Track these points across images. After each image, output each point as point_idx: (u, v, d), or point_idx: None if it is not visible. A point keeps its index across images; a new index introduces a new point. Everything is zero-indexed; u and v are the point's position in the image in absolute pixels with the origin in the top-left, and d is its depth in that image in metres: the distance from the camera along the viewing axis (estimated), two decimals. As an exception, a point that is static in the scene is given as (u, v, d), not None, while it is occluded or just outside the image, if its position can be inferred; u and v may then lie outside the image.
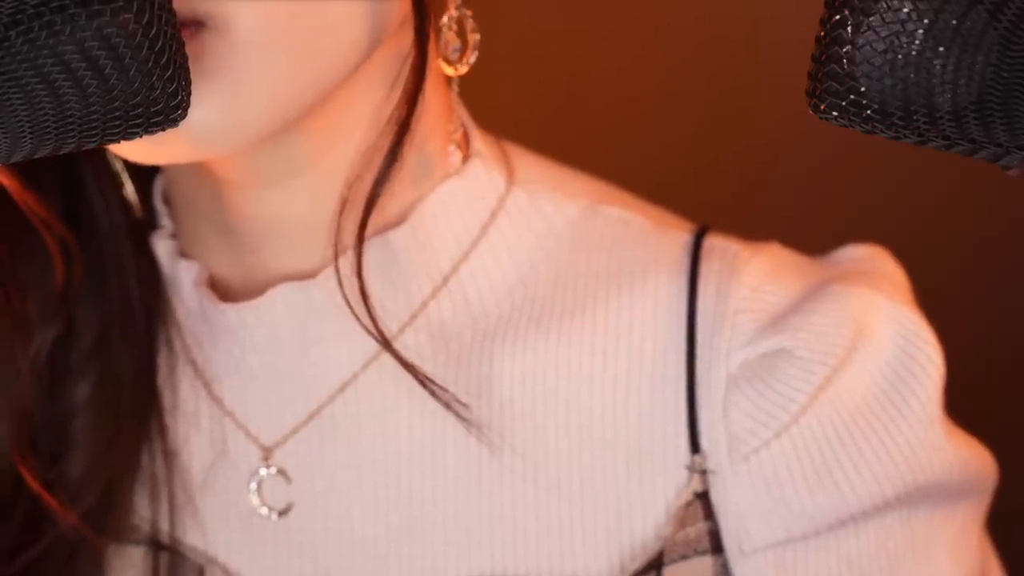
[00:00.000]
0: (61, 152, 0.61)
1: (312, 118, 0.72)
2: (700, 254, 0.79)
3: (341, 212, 0.75)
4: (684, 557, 0.77)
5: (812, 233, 0.87)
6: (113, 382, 0.81)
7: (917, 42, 0.58)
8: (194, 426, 0.81)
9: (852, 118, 0.60)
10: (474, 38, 0.76)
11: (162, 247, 0.81)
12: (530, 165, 0.82)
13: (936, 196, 1.29)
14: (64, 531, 0.80)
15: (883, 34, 0.59)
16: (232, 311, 0.78)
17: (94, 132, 0.61)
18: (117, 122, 0.61)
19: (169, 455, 0.81)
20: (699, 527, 0.77)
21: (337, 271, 0.75)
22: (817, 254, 0.83)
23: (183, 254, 0.80)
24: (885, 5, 0.58)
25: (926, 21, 0.58)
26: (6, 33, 0.58)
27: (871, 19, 0.59)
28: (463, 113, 0.80)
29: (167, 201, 0.81)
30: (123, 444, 0.80)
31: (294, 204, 0.76)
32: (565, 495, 0.77)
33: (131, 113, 0.61)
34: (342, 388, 0.78)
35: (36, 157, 0.61)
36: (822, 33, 0.60)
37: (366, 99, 0.75)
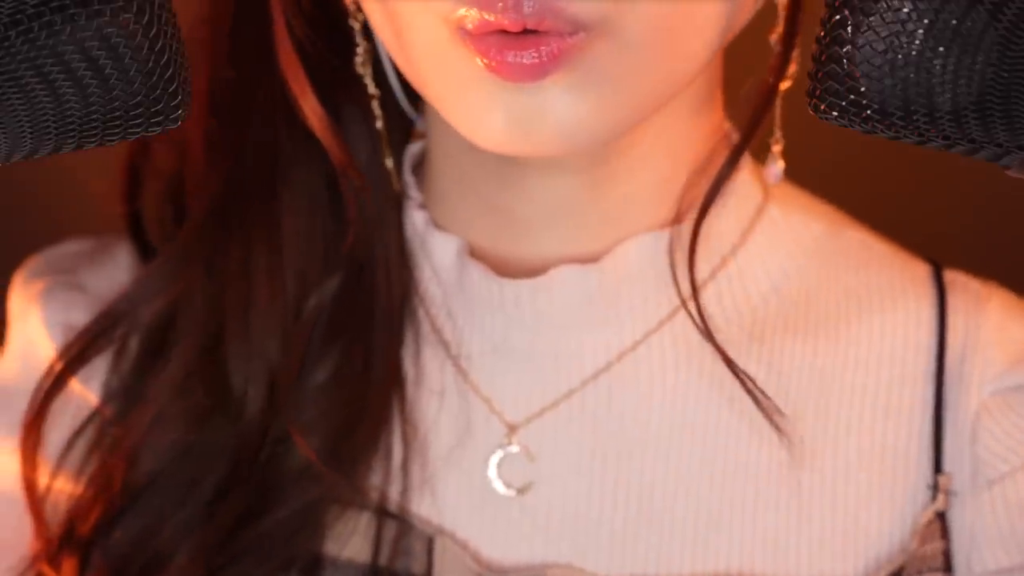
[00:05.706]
0: (61, 152, 0.61)
1: None
2: (944, 286, 0.82)
3: (685, 193, 0.78)
4: (919, 572, 0.78)
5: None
6: (361, 355, 0.81)
7: (917, 42, 0.58)
8: (437, 398, 0.81)
9: (852, 118, 0.60)
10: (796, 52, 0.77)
11: (417, 217, 0.81)
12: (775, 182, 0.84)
13: (936, 196, 1.29)
14: (299, 500, 0.79)
15: (883, 34, 0.59)
16: (509, 286, 0.78)
17: (94, 132, 0.61)
18: (117, 122, 0.61)
19: (408, 426, 0.81)
20: (936, 545, 0.78)
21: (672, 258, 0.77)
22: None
23: (436, 226, 0.80)
24: (885, 5, 0.58)
25: (926, 21, 0.58)
26: (6, 33, 0.58)
27: (871, 19, 0.59)
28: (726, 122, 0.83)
29: (414, 173, 0.82)
30: (366, 418, 0.80)
31: (587, 191, 0.77)
32: (806, 499, 0.78)
33: (131, 113, 0.61)
34: (595, 375, 0.79)
35: (36, 157, 0.61)
36: (822, 33, 0.60)
37: (680, 95, 0.75)
